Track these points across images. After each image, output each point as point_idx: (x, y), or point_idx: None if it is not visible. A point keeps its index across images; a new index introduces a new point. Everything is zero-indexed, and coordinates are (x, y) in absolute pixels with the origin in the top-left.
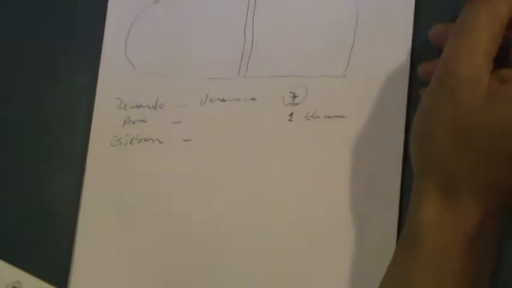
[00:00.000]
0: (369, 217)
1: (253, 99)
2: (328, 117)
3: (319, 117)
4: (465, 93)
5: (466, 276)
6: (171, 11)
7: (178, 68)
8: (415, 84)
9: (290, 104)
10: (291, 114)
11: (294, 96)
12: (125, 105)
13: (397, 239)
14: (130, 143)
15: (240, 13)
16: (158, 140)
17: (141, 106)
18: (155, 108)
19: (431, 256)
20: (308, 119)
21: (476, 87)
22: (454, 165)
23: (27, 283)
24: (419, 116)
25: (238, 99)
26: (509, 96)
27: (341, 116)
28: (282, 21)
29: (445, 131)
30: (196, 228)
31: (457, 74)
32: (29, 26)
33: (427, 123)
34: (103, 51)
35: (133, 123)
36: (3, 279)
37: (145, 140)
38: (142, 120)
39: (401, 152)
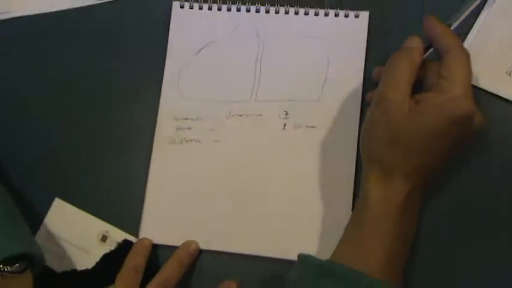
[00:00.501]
0: (333, 192)
1: (260, 115)
2: (308, 127)
3: (302, 127)
4: (394, 111)
5: (398, 233)
6: (206, 59)
7: (211, 95)
8: (364, 106)
9: (284, 118)
10: (284, 125)
11: (286, 113)
12: (177, 118)
13: (352, 207)
14: (181, 142)
15: (251, 59)
16: (198, 140)
17: (188, 119)
18: (196, 120)
19: (374, 218)
20: (295, 128)
21: (401, 108)
22: (388, 155)
23: (112, 232)
24: (365, 126)
25: (250, 115)
26: (421, 112)
27: (314, 127)
28: (280, 64)
29: (382, 134)
30: (223, 194)
31: (389, 100)
32: (123, 73)
33: (370, 130)
34: (163, 86)
35: (183, 130)
36: (96, 229)
37: (190, 140)
38: (188, 128)
39: (355, 149)
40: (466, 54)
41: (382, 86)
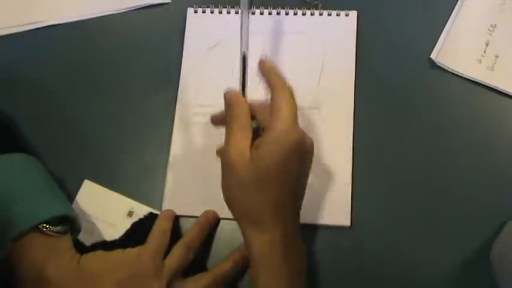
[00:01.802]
0: (334, 163)
1: (266, 99)
2: (310, 108)
3: (305, 108)
4: (238, 164)
5: (288, 274)
6: (218, 54)
7: (224, 83)
8: (357, 88)
9: None
10: None
11: None
12: (194, 104)
13: (352, 177)
14: (197, 125)
15: (257, 53)
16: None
17: (203, 105)
18: (211, 106)
19: (259, 269)
20: (299, 110)
21: (243, 158)
22: (249, 205)
23: (138, 208)
24: (223, 187)
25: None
26: (262, 154)
27: (317, 108)
28: (282, 56)
29: (235, 187)
30: None
31: (231, 157)
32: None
33: (225, 188)
34: (181, 77)
35: (199, 114)
36: (123, 206)
37: (206, 123)
38: (204, 112)
39: (352, 122)
40: (289, 91)
41: (225, 147)
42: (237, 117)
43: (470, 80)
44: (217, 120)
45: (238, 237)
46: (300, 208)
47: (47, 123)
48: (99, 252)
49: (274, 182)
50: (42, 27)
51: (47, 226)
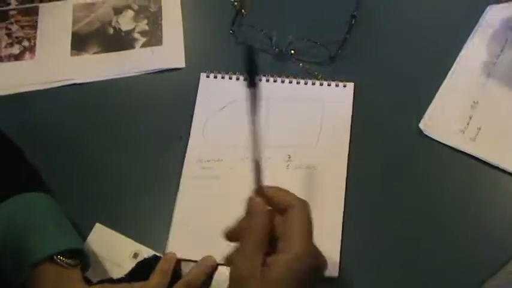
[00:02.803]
0: (325, 213)
1: (268, 158)
2: (307, 167)
3: (302, 167)
4: (246, 282)
5: None
6: (227, 115)
7: (230, 142)
8: (351, 150)
9: (287, 160)
10: (288, 166)
11: (289, 157)
12: (201, 160)
13: (342, 228)
14: (204, 179)
15: (262, 115)
16: (218, 177)
17: (210, 160)
18: (217, 161)
19: None
20: (297, 168)
21: (252, 276)
22: None
23: (143, 250)
24: None
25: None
26: (273, 276)
27: (313, 167)
28: (284, 119)
29: None
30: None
31: (241, 271)
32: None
33: None
34: (191, 134)
35: (205, 169)
36: (129, 248)
37: (211, 177)
38: (211, 167)
39: (344, 183)
40: (305, 207)
41: (236, 256)
42: (255, 228)
43: (454, 149)
44: (231, 236)
45: None
46: None
47: (65, 172)
48: (107, 285)
49: None
50: (69, 85)
51: (61, 258)
